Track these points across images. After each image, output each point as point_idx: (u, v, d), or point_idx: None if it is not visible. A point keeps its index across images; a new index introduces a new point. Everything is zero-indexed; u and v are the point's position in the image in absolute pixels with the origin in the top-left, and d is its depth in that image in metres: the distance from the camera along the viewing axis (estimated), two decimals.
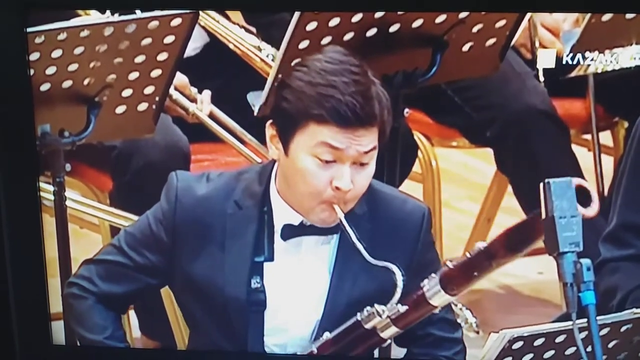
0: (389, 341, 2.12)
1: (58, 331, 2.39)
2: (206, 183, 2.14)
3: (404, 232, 2.12)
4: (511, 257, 2.02)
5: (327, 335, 2.11)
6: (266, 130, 2.13)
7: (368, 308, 2.08)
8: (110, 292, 2.18)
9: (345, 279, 2.13)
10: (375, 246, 2.08)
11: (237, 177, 2.16)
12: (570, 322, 1.99)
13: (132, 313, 2.68)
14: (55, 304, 2.41)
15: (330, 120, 2.04)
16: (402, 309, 2.06)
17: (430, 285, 2.06)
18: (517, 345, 2.07)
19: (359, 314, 2.09)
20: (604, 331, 2.07)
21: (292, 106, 2.06)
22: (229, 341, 2.14)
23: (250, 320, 2.12)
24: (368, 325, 2.09)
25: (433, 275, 2.06)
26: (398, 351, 2.24)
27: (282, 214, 2.13)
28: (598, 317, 2.00)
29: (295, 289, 2.14)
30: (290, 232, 2.12)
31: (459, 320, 2.57)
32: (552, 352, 2.10)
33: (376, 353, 2.26)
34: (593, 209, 1.98)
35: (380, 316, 2.07)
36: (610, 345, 2.11)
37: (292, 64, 2.22)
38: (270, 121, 2.12)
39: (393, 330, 2.09)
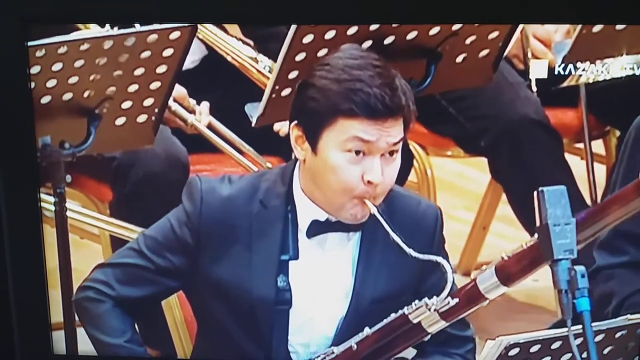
0: (429, 336, 2.09)
1: (59, 341, 2.40)
2: (229, 184, 2.16)
3: (419, 231, 2.13)
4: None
5: (367, 330, 2.11)
6: (290, 133, 2.14)
7: (417, 302, 2.08)
8: (128, 295, 2.17)
9: (368, 275, 2.14)
10: (392, 247, 2.10)
11: (259, 178, 2.17)
12: (565, 329, 2.01)
13: None
14: (56, 314, 2.42)
15: (360, 113, 2.06)
16: (453, 302, 2.05)
17: (485, 279, 2.05)
18: (514, 352, 2.08)
19: (406, 308, 2.09)
20: (599, 337, 2.09)
21: (320, 104, 2.08)
22: (253, 341, 2.14)
23: (276, 319, 2.13)
24: (415, 319, 2.08)
25: (485, 267, 2.06)
26: (408, 350, 2.24)
27: (307, 212, 2.14)
28: (593, 324, 2.01)
29: (319, 286, 2.15)
30: (316, 228, 2.13)
31: None
32: (548, 358, 2.11)
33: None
34: None
35: (428, 309, 2.07)
36: (606, 351, 2.12)
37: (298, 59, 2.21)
38: (295, 122, 2.13)
39: (439, 324, 2.08)
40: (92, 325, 2.21)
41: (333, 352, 2.15)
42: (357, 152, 2.07)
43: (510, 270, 2.05)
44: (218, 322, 2.18)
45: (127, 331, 2.18)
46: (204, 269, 2.16)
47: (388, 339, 2.10)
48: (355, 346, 2.11)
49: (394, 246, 2.09)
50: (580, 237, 2.03)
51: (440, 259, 2.05)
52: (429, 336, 2.11)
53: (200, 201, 2.14)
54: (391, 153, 2.10)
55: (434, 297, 2.08)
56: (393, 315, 2.10)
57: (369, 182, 2.08)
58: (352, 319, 2.15)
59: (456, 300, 2.06)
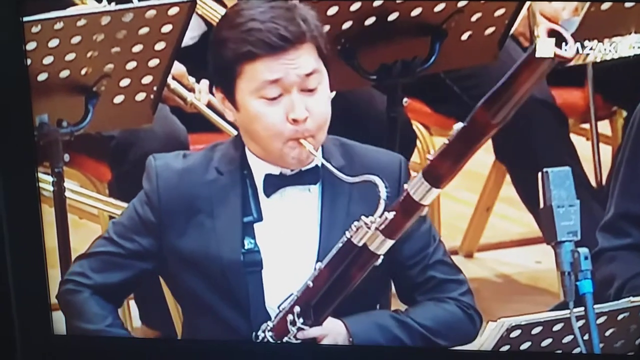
0: (381, 258, 2.06)
1: (59, 321, 2.39)
2: (183, 159, 2.17)
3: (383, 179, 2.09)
4: (492, 129, 1.93)
5: (319, 265, 2.10)
6: (215, 97, 2.15)
7: (356, 222, 2.06)
8: (105, 283, 2.19)
9: (333, 226, 2.13)
10: (356, 196, 2.09)
11: (212, 148, 2.18)
12: (567, 311, 1.99)
13: (132, 303, 2.69)
14: (56, 294, 2.42)
15: (258, 52, 2.05)
16: (390, 215, 2.02)
17: (415, 185, 2.01)
18: (515, 333, 2.06)
19: (347, 231, 2.07)
20: (601, 320, 2.06)
21: (222, 55, 2.08)
22: (231, 308, 2.14)
23: (249, 282, 2.13)
24: (359, 242, 2.05)
25: (414, 174, 2.03)
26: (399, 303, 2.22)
27: (262, 170, 2.14)
28: (595, 306, 1.99)
29: (289, 245, 2.14)
30: (272, 182, 2.13)
31: None
32: (549, 340, 2.09)
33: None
34: (571, 51, 1.89)
35: (369, 228, 2.04)
36: (607, 333, 2.10)
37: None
38: (215, 86, 2.14)
39: (386, 243, 2.04)
40: (74, 316, 2.23)
41: (292, 296, 2.13)
42: (274, 98, 2.07)
43: (438, 171, 1.99)
44: (195, 296, 2.17)
45: (108, 316, 2.20)
46: (172, 245, 2.16)
47: (341, 270, 2.08)
48: (312, 284, 2.10)
49: (359, 195, 2.07)
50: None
51: (373, 177, 2.02)
52: (380, 259, 2.07)
53: (156, 178, 2.15)
54: (311, 89, 2.08)
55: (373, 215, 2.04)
56: (339, 244, 2.08)
57: (294, 120, 2.07)
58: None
59: (393, 213, 2.02)
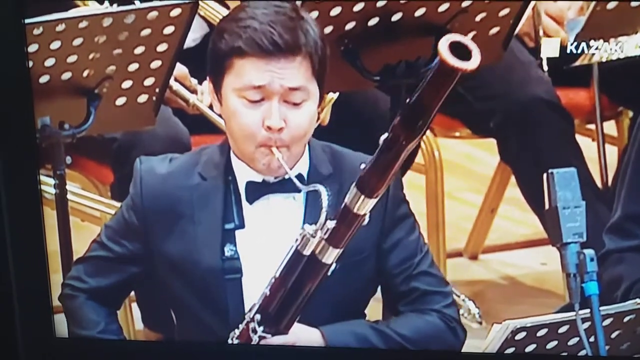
0: (332, 266, 2.07)
1: (61, 324, 2.39)
2: (169, 163, 2.17)
3: None
4: (412, 139, 1.94)
5: (274, 275, 2.10)
6: (207, 86, 2.14)
7: (300, 231, 2.06)
8: (98, 286, 2.20)
9: None
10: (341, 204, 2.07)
11: (199, 152, 2.19)
12: (573, 313, 1.99)
13: (134, 306, 2.69)
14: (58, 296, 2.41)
15: (249, 50, 2.05)
16: (331, 224, 2.03)
17: (350, 195, 2.02)
18: (520, 335, 2.06)
19: (294, 241, 2.07)
20: (607, 322, 2.06)
21: (216, 46, 2.09)
22: (211, 314, 2.15)
23: (228, 289, 2.13)
24: (306, 251, 2.06)
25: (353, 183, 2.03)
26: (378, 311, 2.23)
27: (245, 177, 2.14)
28: (601, 308, 1.99)
29: (271, 253, 2.14)
30: (254, 191, 2.13)
31: (461, 311, 2.57)
32: (555, 342, 2.09)
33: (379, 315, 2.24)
34: (474, 62, 1.89)
35: (313, 237, 2.04)
36: (613, 335, 2.10)
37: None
38: (208, 75, 2.14)
39: (331, 251, 2.04)
40: (70, 320, 2.26)
41: (254, 305, 2.13)
42: (255, 101, 2.07)
43: (368, 180, 2.00)
44: (181, 300, 2.18)
45: (100, 322, 2.21)
46: (156, 249, 2.17)
47: (293, 279, 2.08)
48: (268, 292, 2.11)
49: (341, 202, 2.06)
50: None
51: (318, 186, 2.02)
52: (331, 268, 2.07)
53: (140, 181, 2.16)
54: (295, 102, 2.07)
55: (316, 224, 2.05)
56: (288, 254, 2.09)
57: (268, 127, 2.07)
58: None
59: (334, 222, 2.03)
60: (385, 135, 1.99)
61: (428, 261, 2.16)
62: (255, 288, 2.14)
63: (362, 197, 2.00)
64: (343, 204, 2.02)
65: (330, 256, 2.06)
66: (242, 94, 2.07)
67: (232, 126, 2.09)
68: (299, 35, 2.05)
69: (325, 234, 2.04)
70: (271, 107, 2.06)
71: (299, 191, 2.10)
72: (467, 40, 1.89)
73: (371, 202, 2.01)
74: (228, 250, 2.13)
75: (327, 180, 2.11)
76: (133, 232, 2.16)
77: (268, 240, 2.14)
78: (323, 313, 2.13)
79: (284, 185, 2.12)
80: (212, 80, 2.12)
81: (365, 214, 2.03)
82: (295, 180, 2.06)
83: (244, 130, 2.07)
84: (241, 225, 2.13)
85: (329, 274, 2.08)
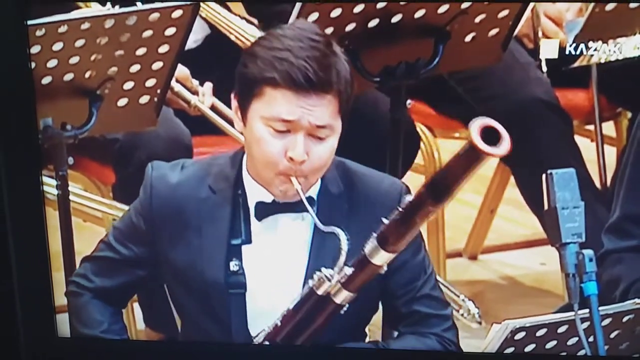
0: (345, 307, 2.09)
1: (63, 323, 2.40)
2: (180, 171, 2.16)
3: (381, 210, 2.08)
4: (437, 205, 1.98)
5: (288, 307, 2.12)
6: (232, 103, 2.15)
7: (318, 273, 2.07)
8: (104, 286, 2.21)
9: (323, 255, 2.13)
10: (354, 225, 2.09)
11: (210, 163, 2.18)
12: (572, 313, 1.99)
13: (136, 306, 2.70)
14: (60, 297, 2.42)
15: (282, 83, 2.04)
16: (349, 271, 2.05)
17: (369, 245, 2.04)
18: (520, 335, 2.06)
19: (310, 280, 2.09)
20: (606, 322, 2.06)
21: (249, 71, 2.08)
22: (213, 326, 2.15)
23: (232, 304, 2.14)
24: (320, 291, 2.07)
25: (373, 234, 2.04)
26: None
27: (255, 195, 2.14)
28: (600, 308, 1.99)
29: (276, 270, 2.15)
30: (263, 210, 2.13)
31: (461, 312, 2.58)
32: (554, 342, 2.09)
33: (379, 336, 2.25)
34: (503, 148, 1.92)
35: (329, 280, 2.06)
36: (612, 335, 2.10)
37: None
38: (234, 92, 2.14)
39: (345, 294, 2.07)
40: (75, 317, 2.26)
41: (264, 330, 2.15)
42: (281, 132, 2.07)
43: (388, 235, 2.02)
44: (184, 307, 2.20)
45: (104, 322, 2.21)
46: (163, 255, 2.17)
47: (305, 314, 2.10)
48: (280, 323, 2.12)
49: (352, 227, 2.08)
50: None
51: (336, 230, 2.04)
52: (344, 308, 2.09)
53: (150, 189, 2.16)
54: (320, 137, 2.08)
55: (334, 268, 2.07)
56: (303, 290, 2.10)
57: (290, 158, 2.07)
58: None
59: (352, 269, 2.05)
60: (410, 197, 2.03)
61: (431, 283, 2.17)
62: (258, 304, 2.15)
63: (382, 251, 2.03)
64: (362, 254, 2.04)
65: (342, 297, 2.08)
66: (269, 123, 2.06)
67: (254, 151, 2.09)
68: (332, 74, 2.05)
69: (341, 278, 2.06)
70: (296, 140, 2.06)
71: (307, 210, 2.10)
72: (498, 125, 1.92)
73: (390, 256, 2.04)
74: (233, 265, 2.12)
75: (337, 199, 2.12)
76: (140, 237, 2.17)
77: (273, 257, 2.14)
78: (325, 331, 2.13)
79: (294, 206, 2.12)
80: (238, 100, 2.11)
81: (382, 265, 2.04)
82: (315, 219, 2.05)
83: (266, 157, 2.07)
84: (248, 241, 2.13)
85: (341, 312, 2.10)
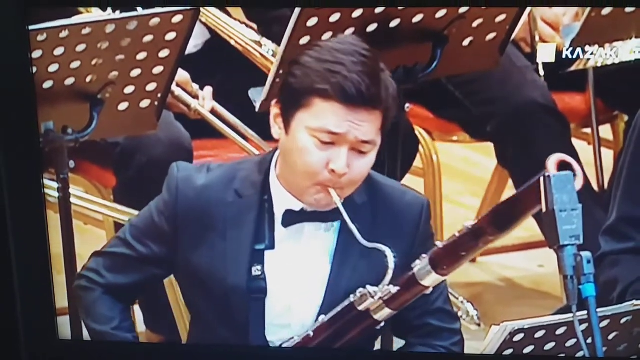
0: (382, 323, 2.12)
1: (64, 326, 2.41)
2: (206, 173, 2.16)
3: (403, 223, 2.13)
4: (498, 235, 2.02)
5: (322, 318, 2.13)
6: (271, 110, 2.14)
7: (361, 289, 2.09)
8: (117, 283, 2.20)
9: (345, 266, 2.14)
10: (375, 236, 2.09)
11: (236, 166, 2.18)
12: (570, 315, 2.00)
13: (136, 308, 2.70)
14: (61, 299, 2.43)
15: (334, 96, 2.05)
16: (394, 289, 2.07)
17: (421, 266, 2.07)
18: (518, 337, 2.07)
19: (352, 295, 2.10)
20: (604, 323, 2.07)
21: (298, 81, 2.08)
22: (230, 330, 2.16)
23: (251, 309, 2.14)
24: (361, 307, 2.09)
25: (424, 256, 2.07)
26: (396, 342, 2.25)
27: (283, 202, 2.14)
28: (598, 310, 2.00)
29: (297, 276, 2.15)
30: (291, 218, 2.14)
31: (460, 313, 2.59)
32: (552, 344, 2.10)
33: (378, 344, 2.27)
34: (579, 182, 1.97)
35: (372, 297, 2.08)
36: (611, 337, 2.11)
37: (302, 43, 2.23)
38: (276, 100, 2.13)
39: (386, 311, 2.09)
40: (83, 312, 2.25)
41: (293, 339, 2.16)
42: (325, 143, 2.08)
43: (442, 259, 2.05)
44: (199, 309, 2.19)
45: (115, 318, 2.21)
46: (183, 257, 2.17)
47: (340, 327, 2.12)
48: (312, 334, 2.13)
49: (374, 238, 2.09)
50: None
51: (382, 247, 2.05)
52: (381, 324, 2.12)
53: (176, 190, 2.15)
54: (362, 151, 2.09)
55: (379, 286, 2.08)
56: (343, 304, 2.12)
57: (332, 170, 2.08)
58: (329, 309, 2.15)
59: (397, 288, 2.07)
60: (470, 222, 2.04)
61: (444, 297, 2.18)
62: (276, 309, 2.16)
63: (432, 272, 2.05)
64: (411, 273, 2.06)
65: (383, 315, 2.10)
66: (315, 134, 2.07)
67: (294, 160, 2.09)
68: (382, 89, 2.07)
69: (385, 295, 2.07)
70: (340, 153, 2.06)
71: (335, 221, 2.13)
72: (573, 162, 1.98)
73: (440, 279, 2.06)
74: (255, 270, 2.13)
75: (361, 210, 2.13)
76: (161, 236, 2.16)
77: (295, 264, 2.15)
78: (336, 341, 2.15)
79: (322, 215, 2.13)
80: (281, 107, 2.11)
81: (429, 287, 2.07)
82: (357, 235, 2.06)
83: (307, 167, 2.08)
84: (271, 247, 2.14)
85: (377, 328, 2.12)
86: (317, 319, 2.16)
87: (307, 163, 2.08)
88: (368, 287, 2.08)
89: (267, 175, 2.15)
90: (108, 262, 2.21)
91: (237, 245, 2.13)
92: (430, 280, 2.06)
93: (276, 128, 2.12)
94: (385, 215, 2.13)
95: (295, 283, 2.15)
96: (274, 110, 2.13)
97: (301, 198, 2.12)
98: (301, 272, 2.15)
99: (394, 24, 2.42)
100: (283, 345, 2.16)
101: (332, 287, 2.14)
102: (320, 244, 2.15)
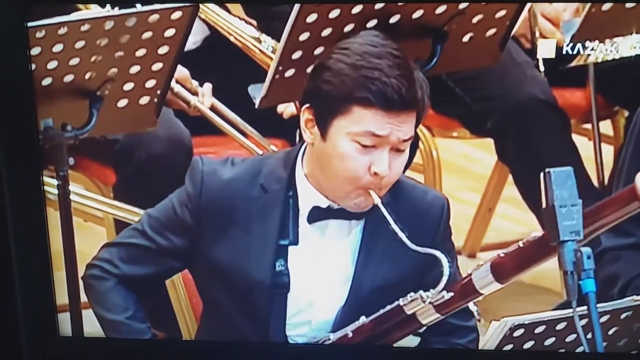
0: (425, 327, 2.12)
1: (64, 322, 2.41)
2: (231, 167, 2.16)
3: (424, 222, 2.13)
4: (553, 251, 2.02)
5: (363, 319, 2.12)
6: (301, 115, 2.13)
7: (412, 294, 2.09)
8: (132, 274, 2.19)
9: (369, 264, 2.14)
10: (398, 241, 2.09)
11: (261, 161, 2.17)
12: (570, 310, 2.00)
13: None
14: (61, 296, 2.43)
15: (375, 103, 2.05)
16: (447, 295, 2.06)
17: (480, 274, 2.06)
18: (518, 332, 2.08)
19: (401, 299, 2.10)
20: (604, 318, 2.08)
21: (335, 89, 2.06)
22: (250, 325, 2.16)
23: (273, 304, 2.14)
24: (409, 311, 2.09)
25: (481, 263, 2.07)
26: (412, 339, 2.24)
27: (309, 198, 2.14)
28: (598, 305, 2.01)
29: (319, 272, 2.15)
30: (317, 214, 2.13)
31: None
32: (552, 339, 2.11)
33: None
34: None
35: (423, 302, 2.08)
36: (611, 332, 2.12)
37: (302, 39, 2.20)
38: (307, 105, 2.12)
39: (434, 316, 2.09)
40: (96, 302, 2.23)
41: (329, 339, 2.16)
42: (366, 147, 2.07)
43: (505, 268, 2.06)
44: (218, 303, 2.18)
45: (129, 308, 2.20)
46: (204, 250, 2.16)
47: (382, 329, 2.12)
48: (351, 334, 2.13)
49: (397, 237, 2.08)
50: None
51: (437, 253, 2.05)
52: (424, 327, 2.12)
53: (200, 183, 2.14)
54: (400, 149, 2.10)
55: (430, 290, 2.08)
56: (389, 306, 2.11)
57: (375, 173, 2.07)
58: (351, 307, 2.15)
59: (451, 294, 2.07)
60: (537, 233, 2.05)
61: None
62: (298, 305, 2.15)
63: (493, 280, 2.06)
64: (468, 279, 2.07)
65: (430, 319, 2.11)
66: (357, 138, 2.06)
67: (336, 166, 2.08)
68: (418, 90, 2.07)
69: (436, 300, 2.07)
70: (382, 155, 2.06)
71: (360, 218, 2.12)
72: None
73: (497, 286, 2.06)
74: (279, 266, 2.13)
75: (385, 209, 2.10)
76: (183, 229, 2.15)
77: (317, 259, 2.15)
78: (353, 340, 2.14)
79: (347, 213, 2.12)
80: (314, 114, 2.10)
81: (484, 294, 2.07)
82: (405, 239, 2.06)
83: (350, 173, 2.07)
84: (295, 242, 2.14)
85: (420, 331, 2.12)
86: (336, 319, 2.15)
87: (350, 168, 2.07)
88: (420, 292, 2.08)
89: (292, 171, 2.14)
90: (123, 253, 2.19)
91: (262, 240, 2.13)
92: (490, 289, 2.06)
93: (308, 133, 2.11)
94: (407, 214, 2.12)
95: (318, 279, 2.15)
96: (306, 115, 2.11)
97: (340, 202, 2.11)
98: (324, 268, 2.15)
99: (393, 19, 2.41)
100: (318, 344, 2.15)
101: (356, 285, 2.13)
102: (344, 241, 2.15)
